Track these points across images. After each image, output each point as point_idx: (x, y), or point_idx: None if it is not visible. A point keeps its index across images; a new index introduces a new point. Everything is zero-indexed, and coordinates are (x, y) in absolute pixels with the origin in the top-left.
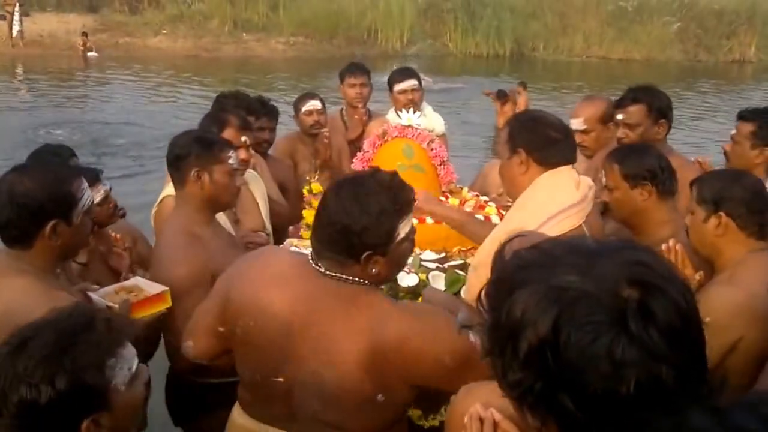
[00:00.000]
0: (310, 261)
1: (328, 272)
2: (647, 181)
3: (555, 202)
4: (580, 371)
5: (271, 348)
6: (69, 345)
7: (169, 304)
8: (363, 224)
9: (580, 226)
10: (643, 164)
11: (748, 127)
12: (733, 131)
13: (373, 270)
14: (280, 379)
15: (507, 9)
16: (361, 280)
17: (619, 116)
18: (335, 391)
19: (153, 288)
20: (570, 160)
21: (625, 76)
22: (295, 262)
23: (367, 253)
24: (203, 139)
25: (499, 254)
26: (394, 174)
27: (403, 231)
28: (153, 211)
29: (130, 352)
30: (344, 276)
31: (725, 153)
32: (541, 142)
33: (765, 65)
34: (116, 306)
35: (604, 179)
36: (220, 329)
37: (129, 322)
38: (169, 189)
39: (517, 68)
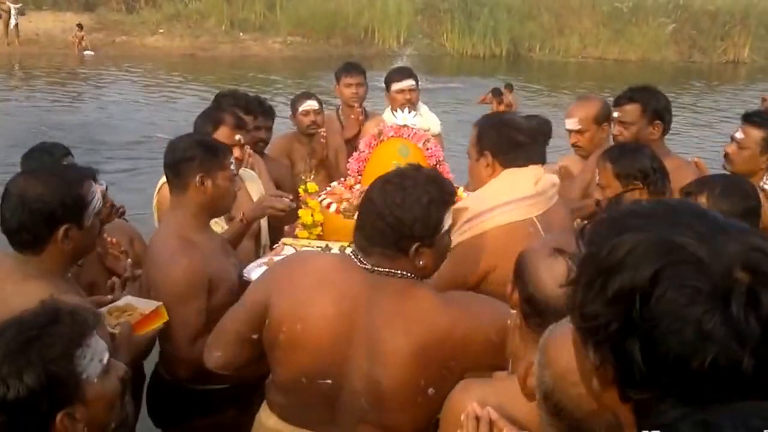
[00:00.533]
0: (354, 259)
1: (376, 269)
2: (638, 181)
3: (503, 194)
4: (662, 329)
5: (320, 351)
6: (34, 338)
7: (166, 318)
8: (414, 215)
9: (531, 218)
10: (635, 164)
11: (759, 133)
12: (739, 134)
13: (420, 262)
14: (328, 381)
15: (503, 9)
16: (409, 274)
17: (615, 114)
18: (387, 389)
19: (146, 305)
20: (535, 161)
21: (621, 77)
22: (339, 261)
23: (416, 245)
24: (206, 143)
25: (615, 201)
26: (435, 169)
27: (447, 222)
28: (154, 201)
29: (99, 344)
30: (392, 270)
31: (726, 155)
32: (506, 145)
33: (759, 66)
34: (116, 332)
35: (597, 177)
36: (254, 337)
37: (94, 313)
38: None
39: (514, 68)
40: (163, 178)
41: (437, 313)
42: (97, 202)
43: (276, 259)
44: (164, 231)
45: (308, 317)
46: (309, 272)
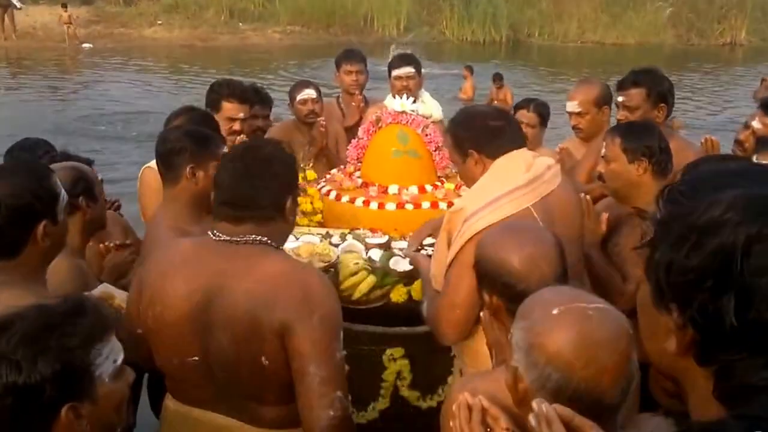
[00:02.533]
0: (210, 235)
1: (230, 238)
2: (645, 157)
3: (495, 188)
4: (762, 285)
5: (180, 329)
6: (55, 325)
7: None
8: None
9: (527, 208)
10: (645, 141)
11: None
12: (756, 123)
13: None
14: (196, 359)
15: None
16: (266, 239)
17: (620, 98)
18: (236, 361)
19: (124, 295)
20: (519, 143)
21: (619, 61)
22: (197, 240)
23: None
24: (197, 134)
25: (695, 165)
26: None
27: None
28: (138, 181)
29: (116, 344)
30: (245, 237)
31: (739, 142)
32: (484, 136)
33: (755, 48)
34: None
35: (603, 150)
36: (139, 332)
37: (116, 313)
38: (149, 163)
39: (513, 54)
40: (148, 164)
41: (277, 278)
42: (64, 194)
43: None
44: (159, 224)
45: (165, 298)
46: (170, 255)
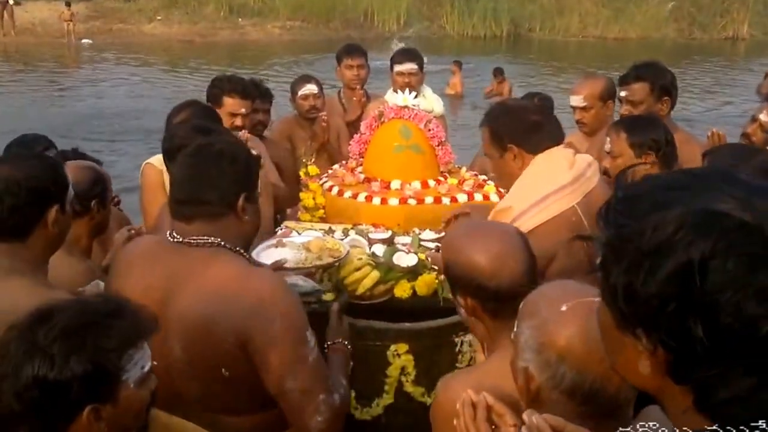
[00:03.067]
0: (167, 236)
1: (185, 239)
2: (652, 151)
3: (541, 187)
4: (725, 300)
5: None
6: (93, 324)
7: None
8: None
9: (572, 207)
10: (651, 134)
11: None
12: (764, 117)
13: (246, 217)
14: (155, 363)
15: None
16: (220, 241)
17: (623, 93)
18: (190, 371)
19: None
20: (559, 140)
21: (621, 55)
22: (158, 238)
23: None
24: (203, 130)
25: (623, 174)
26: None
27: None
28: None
29: (147, 351)
30: (201, 239)
31: (746, 135)
32: (526, 130)
33: (757, 42)
34: None
35: (608, 146)
36: None
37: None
38: (152, 159)
39: (514, 49)
40: (149, 160)
41: (229, 284)
42: (71, 187)
43: (285, 240)
44: (164, 226)
45: (122, 294)
46: (135, 254)
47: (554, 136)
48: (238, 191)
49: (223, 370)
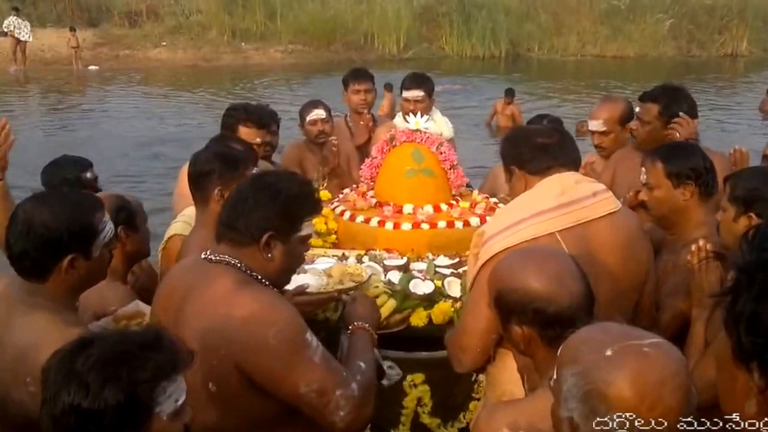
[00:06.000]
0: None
1: (213, 257)
2: (691, 180)
3: (518, 212)
4: None
5: None
6: (130, 355)
7: None
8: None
9: (551, 234)
10: (689, 163)
11: None
12: None
13: (269, 254)
14: None
15: (501, 10)
16: (240, 264)
17: (637, 108)
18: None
19: None
20: (564, 163)
21: (620, 74)
22: (193, 257)
23: (267, 234)
24: (226, 155)
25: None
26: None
27: (304, 226)
28: (159, 249)
29: (182, 384)
30: (225, 258)
31: (766, 156)
32: (528, 152)
33: (757, 58)
34: None
35: (644, 176)
36: None
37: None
38: (177, 227)
39: (513, 68)
40: (175, 227)
41: (223, 299)
42: (108, 231)
43: (307, 267)
44: (191, 248)
45: (153, 311)
46: (173, 269)
47: (559, 158)
48: (264, 228)
49: (210, 384)
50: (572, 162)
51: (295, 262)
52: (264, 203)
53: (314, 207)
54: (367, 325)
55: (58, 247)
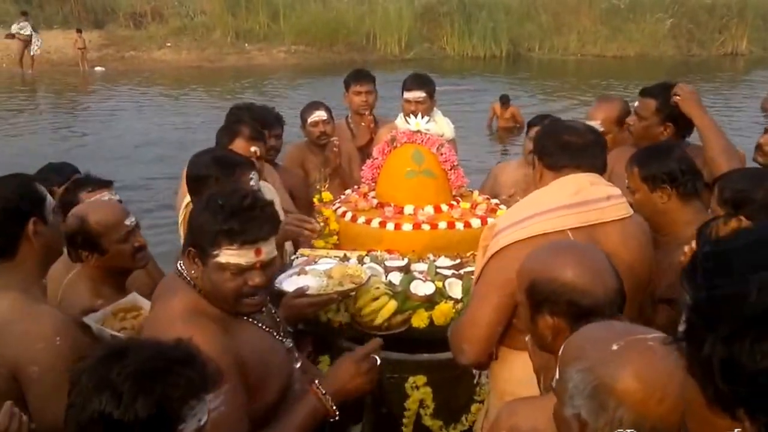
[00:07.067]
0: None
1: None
2: (666, 184)
3: (529, 207)
4: None
5: None
6: (164, 370)
7: None
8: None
9: (562, 231)
10: (662, 167)
11: None
12: None
13: (192, 271)
14: None
15: (502, 11)
16: (184, 271)
17: (636, 102)
18: None
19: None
20: (580, 166)
21: (620, 73)
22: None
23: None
24: (223, 160)
25: (706, 228)
26: None
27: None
28: (180, 219)
29: (206, 405)
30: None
31: (759, 146)
32: (550, 146)
33: (757, 57)
34: (120, 335)
35: (627, 181)
36: None
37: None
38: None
39: (514, 68)
40: (189, 197)
41: (164, 313)
42: (51, 199)
43: (308, 269)
44: None
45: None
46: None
47: (578, 159)
48: (188, 241)
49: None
50: (591, 166)
51: (215, 288)
52: (196, 213)
53: (230, 238)
54: (327, 394)
55: (18, 213)
